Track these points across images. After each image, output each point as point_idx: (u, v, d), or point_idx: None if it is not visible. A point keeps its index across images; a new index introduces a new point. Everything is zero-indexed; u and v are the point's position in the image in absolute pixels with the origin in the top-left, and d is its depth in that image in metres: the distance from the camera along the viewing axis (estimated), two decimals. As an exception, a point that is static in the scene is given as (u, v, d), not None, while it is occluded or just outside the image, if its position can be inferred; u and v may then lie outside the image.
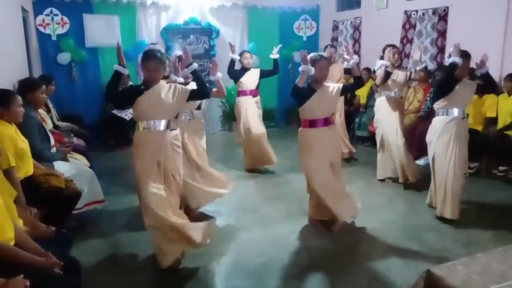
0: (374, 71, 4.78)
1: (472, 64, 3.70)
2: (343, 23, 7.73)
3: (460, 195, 3.69)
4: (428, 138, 3.79)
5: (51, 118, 4.84)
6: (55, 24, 6.51)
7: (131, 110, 6.04)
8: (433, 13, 5.88)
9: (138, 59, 6.76)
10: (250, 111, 5.04)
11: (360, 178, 4.89)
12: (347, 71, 5.02)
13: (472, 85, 3.76)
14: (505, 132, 4.82)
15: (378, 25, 6.83)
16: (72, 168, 3.56)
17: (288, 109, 7.98)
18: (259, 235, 3.53)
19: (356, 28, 7.43)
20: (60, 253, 2.13)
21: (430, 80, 5.87)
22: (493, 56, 4.71)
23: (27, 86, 3.54)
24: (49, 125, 4.39)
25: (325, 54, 3.53)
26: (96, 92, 6.88)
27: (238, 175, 5.13)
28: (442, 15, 5.76)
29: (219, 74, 3.66)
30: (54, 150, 3.60)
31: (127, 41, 6.86)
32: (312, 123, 3.37)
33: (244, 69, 5.04)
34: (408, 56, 6.25)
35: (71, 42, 6.62)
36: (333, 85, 3.44)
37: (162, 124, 2.82)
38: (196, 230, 2.81)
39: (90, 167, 4.03)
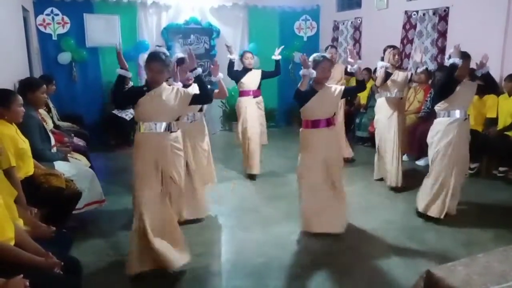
0: (375, 72, 4.78)
1: (473, 65, 3.70)
2: (343, 23, 7.73)
3: (459, 195, 3.70)
4: (429, 139, 3.78)
5: (52, 118, 4.84)
6: (56, 23, 6.51)
7: (131, 110, 6.10)
8: (434, 14, 5.88)
9: (138, 59, 6.81)
10: (250, 111, 5.02)
11: (360, 178, 4.89)
12: (348, 72, 5.00)
13: (473, 86, 3.76)
14: (505, 132, 4.82)
15: (379, 25, 6.83)
16: (73, 168, 3.56)
17: (289, 110, 7.99)
18: (259, 235, 3.53)
19: (357, 28, 7.42)
20: (60, 253, 2.13)
21: (430, 81, 5.87)
22: (493, 57, 4.71)
23: (27, 86, 3.55)
24: (49, 125, 4.39)
25: (327, 55, 3.52)
26: (97, 92, 6.89)
27: (238, 176, 5.14)
28: (443, 16, 5.76)
29: (220, 75, 3.65)
30: (54, 150, 3.60)
31: (128, 41, 6.87)
32: (313, 124, 3.36)
33: (246, 70, 5.03)
34: (408, 56, 6.25)
35: (71, 42, 6.63)
36: (335, 87, 3.43)
37: (163, 126, 2.81)
38: (170, 256, 2.76)
39: (90, 167, 4.03)
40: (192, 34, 7.55)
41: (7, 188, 2.28)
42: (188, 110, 3.60)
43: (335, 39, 7.92)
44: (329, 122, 3.39)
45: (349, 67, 3.49)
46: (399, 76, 4.51)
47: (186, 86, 3.55)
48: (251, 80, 5.03)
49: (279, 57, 5.03)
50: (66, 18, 6.56)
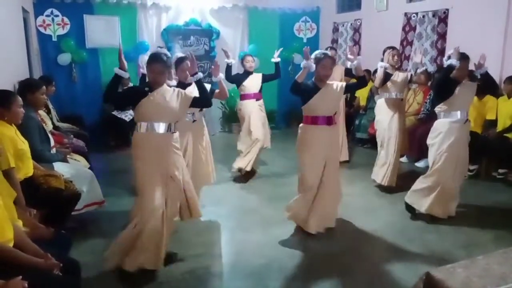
0: (374, 73, 4.79)
1: (471, 66, 3.71)
2: (343, 25, 7.74)
3: (458, 197, 3.73)
4: (430, 140, 3.78)
5: (51, 119, 4.84)
6: (56, 25, 6.52)
7: (131, 112, 6.10)
8: (433, 15, 5.88)
9: (138, 60, 6.80)
10: (254, 115, 5.02)
11: (360, 180, 4.89)
12: (348, 73, 5.01)
13: (473, 86, 3.77)
14: (505, 134, 4.83)
15: (378, 27, 6.84)
16: (72, 169, 3.56)
17: (288, 111, 7.99)
18: (259, 236, 3.53)
19: (356, 30, 7.43)
20: (59, 254, 2.13)
21: (429, 83, 5.87)
22: (493, 59, 4.72)
23: (27, 87, 3.54)
24: (49, 126, 4.39)
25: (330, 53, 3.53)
26: (96, 93, 6.87)
27: (238, 176, 5.13)
28: (442, 17, 5.77)
29: (221, 75, 3.66)
30: (54, 151, 3.60)
31: (128, 42, 6.87)
32: (314, 120, 3.37)
33: (247, 73, 5.02)
34: (408, 58, 6.25)
35: (71, 43, 6.63)
36: (337, 83, 3.46)
37: (164, 127, 2.82)
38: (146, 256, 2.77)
39: (89, 168, 4.03)
40: (192, 36, 7.55)
41: (6, 189, 2.27)
42: (190, 110, 3.61)
43: (335, 41, 7.93)
44: (331, 120, 3.39)
45: (348, 63, 3.50)
46: (399, 77, 4.52)
47: (185, 85, 3.57)
48: (253, 83, 5.02)
49: (278, 60, 5.02)
50: (66, 19, 6.56)
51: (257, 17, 7.90)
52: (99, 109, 6.88)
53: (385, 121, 4.53)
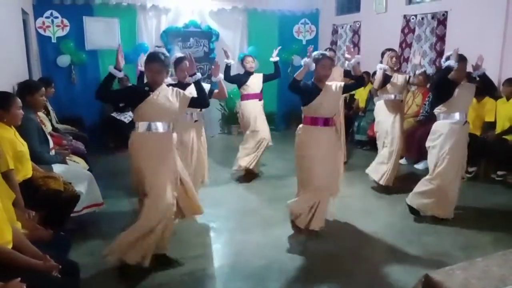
0: (374, 75, 4.80)
1: (469, 68, 3.72)
2: (342, 27, 7.76)
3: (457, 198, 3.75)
4: (430, 142, 3.79)
5: (50, 120, 4.83)
6: (55, 26, 6.51)
7: (130, 113, 6.09)
8: (432, 18, 5.90)
9: (138, 61, 6.80)
10: (259, 116, 5.05)
11: (359, 182, 4.88)
12: (347, 74, 5.02)
13: (471, 88, 3.78)
14: (504, 136, 4.83)
15: (377, 29, 6.85)
16: (71, 171, 3.56)
17: (288, 113, 7.99)
18: (259, 237, 3.52)
19: (356, 32, 7.45)
20: (58, 256, 2.12)
21: (428, 85, 5.88)
22: (491, 61, 4.74)
23: (26, 89, 3.54)
24: (48, 128, 4.38)
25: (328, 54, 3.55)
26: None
27: (237, 178, 5.13)
28: (441, 20, 5.78)
29: (220, 76, 3.69)
30: (53, 152, 3.60)
31: (127, 43, 6.85)
32: (315, 121, 3.38)
33: (248, 73, 5.03)
34: (407, 60, 6.27)
35: (71, 44, 6.63)
36: (335, 83, 3.47)
37: (164, 126, 2.83)
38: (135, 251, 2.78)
39: (89, 169, 4.02)
40: (191, 37, 7.56)
41: (5, 191, 2.27)
42: (189, 110, 3.62)
43: (334, 43, 7.94)
44: (330, 122, 3.42)
45: (346, 63, 3.51)
46: (398, 79, 4.53)
47: (184, 85, 3.58)
48: (255, 83, 5.04)
49: (277, 59, 5.03)
50: (65, 21, 6.56)
51: (257, 19, 7.91)
52: (98, 111, 6.87)
53: (386, 122, 4.54)
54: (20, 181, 2.82)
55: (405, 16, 6.30)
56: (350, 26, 7.53)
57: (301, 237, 3.49)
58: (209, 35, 7.67)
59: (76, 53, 6.69)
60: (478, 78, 3.74)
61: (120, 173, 5.08)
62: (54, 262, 2.00)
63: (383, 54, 4.56)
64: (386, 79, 4.45)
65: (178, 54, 3.91)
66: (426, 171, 4.14)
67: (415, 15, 6.15)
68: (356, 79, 3.49)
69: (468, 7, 5.45)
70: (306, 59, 3.23)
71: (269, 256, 3.18)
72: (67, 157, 3.82)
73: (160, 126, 2.81)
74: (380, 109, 4.63)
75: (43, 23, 6.45)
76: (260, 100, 5.11)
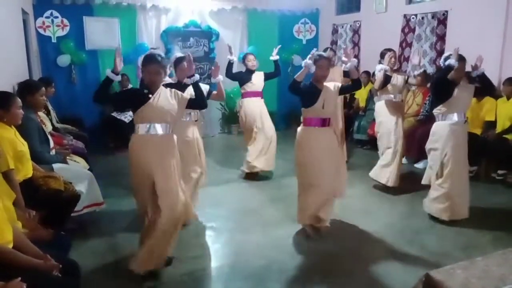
0: (374, 75, 4.80)
1: (469, 68, 3.72)
2: (342, 27, 7.75)
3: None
4: (430, 144, 3.79)
5: (51, 120, 4.83)
6: (55, 26, 6.51)
7: (130, 113, 6.09)
8: (432, 17, 5.90)
9: (138, 61, 6.81)
10: (264, 115, 5.07)
11: (360, 181, 4.89)
12: (347, 74, 5.01)
13: (470, 88, 3.79)
14: (504, 136, 4.83)
15: (378, 28, 6.85)
16: (71, 171, 3.55)
17: (288, 112, 7.99)
18: (259, 237, 3.53)
19: (356, 31, 7.45)
20: (59, 256, 2.13)
21: (429, 84, 5.88)
22: (491, 60, 4.74)
23: (26, 89, 3.55)
24: (48, 127, 4.39)
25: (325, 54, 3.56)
26: (96, 94, 6.87)
27: (237, 178, 5.14)
28: (441, 19, 5.78)
29: (220, 77, 3.68)
30: (53, 152, 3.60)
31: (127, 43, 6.87)
32: (315, 122, 3.40)
33: (250, 71, 5.03)
34: (407, 59, 6.26)
35: (71, 44, 6.62)
36: (333, 84, 3.49)
37: (163, 128, 2.82)
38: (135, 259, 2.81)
39: (89, 169, 4.02)
40: (191, 37, 7.55)
41: (5, 190, 2.27)
42: (187, 110, 3.63)
43: (334, 42, 7.94)
44: (329, 122, 3.44)
45: (343, 65, 3.52)
46: (397, 79, 4.53)
47: (183, 86, 3.58)
48: (258, 81, 5.05)
49: (277, 57, 5.03)
50: (65, 21, 6.55)
51: (257, 19, 7.91)
52: (98, 111, 6.87)
53: (388, 123, 4.54)
54: (21, 180, 2.82)
55: (405, 16, 6.29)
56: (350, 26, 7.53)
57: (301, 237, 3.49)
58: (209, 35, 7.66)
59: (76, 53, 6.69)
60: (477, 79, 3.74)
61: (120, 173, 5.08)
62: (54, 262, 2.00)
63: (382, 54, 4.55)
64: (387, 79, 4.46)
65: (178, 54, 3.91)
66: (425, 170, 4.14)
67: (415, 15, 6.15)
68: (353, 82, 3.52)
69: (468, 7, 5.45)
70: (306, 61, 3.25)
71: (269, 256, 3.19)
72: (67, 157, 3.81)
73: (160, 128, 2.81)
74: (381, 109, 4.63)
75: (43, 23, 6.44)
76: (261, 98, 5.12)
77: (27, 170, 2.94)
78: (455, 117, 3.67)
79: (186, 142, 3.67)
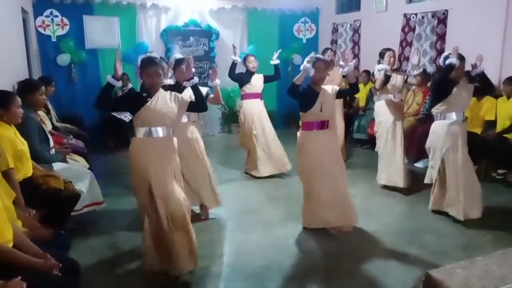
0: (373, 74, 4.79)
1: (469, 67, 3.72)
2: (342, 26, 7.75)
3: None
4: (432, 144, 3.78)
5: (51, 119, 4.84)
6: (55, 25, 6.51)
7: (130, 112, 6.09)
8: (433, 16, 5.89)
9: (137, 61, 6.80)
10: (263, 114, 5.07)
11: (360, 181, 4.88)
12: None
13: (469, 88, 3.79)
14: (504, 135, 4.83)
15: (378, 28, 6.85)
16: (71, 170, 3.56)
17: (288, 112, 7.99)
18: (259, 237, 3.52)
19: (356, 30, 7.44)
20: (59, 255, 2.13)
21: (429, 84, 5.88)
22: (492, 60, 4.73)
23: (26, 87, 3.54)
24: (48, 127, 4.39)
25: (325, 57, 3.57)
26: (96, 94, 6.82)
27: (237, 178, 5.14)
28: (442, 18, 5.78)
29: (217, 81, 3.68)
30: (53, 151, 3.60)
31: (127, 42, 6.88)
32: (315, 126, 3.41)
33: (250, 73, 5.04)
34: (407, 59, 6.26)
35: (71, 43, 6.62)
36: (331, 87, 3.50)
37: (163, 131, 2.80)
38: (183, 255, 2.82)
39: (89, 168, 4.03)
40: (191, 36, 7.56)
41: (5, 189, 2.27)
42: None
43: (334, 42, 7.94)
44: (327, 124, 3.46)
45: (340, 70, 3.53)
46: (397, 79, 4.53)
47: (182, 87, 3.58)
48: (258, 83, 5.06)
49: (277, 62, 5.05)
50: (65, 20, 6.55)
51: (257, 18, 7.91)
52: (98, 110, 6.87)
53: (389, 123, 4.53)
54: (21, 180, 2.82)
55: (405, 15, 6.29)
56: (350, 25, 7.52)
57: (301, 237, 3.49)
58: (209, 34, 7.66)
59: (76, 52, 6.68)
60: (478, 78, 3.74)
61: (120, 172, 5.08)
62: (54, 261, 2.00)
63: (381, 54, 4.54)
64: (387, 79, 4.45)
65: (178, 55, 3.90)
66: (425, 169, 4.14)
67: (415, 14, 6.15)
68: (350, 86, 3.52)
69: (468, 6, 5.45)
70: (305, 64, 3.24)
71: (269, 256, 3.18)
72: (67, 156, 3.81)
73: (160, 131, 2.79)
74: (381, 109, 4.62)
75: (43, 22, 6.44)
76: (261, 99, 5.13)
77: (27, 169, 2.94)
78: (453, 115, 3.67)
79: (186, 143, 3.67)
